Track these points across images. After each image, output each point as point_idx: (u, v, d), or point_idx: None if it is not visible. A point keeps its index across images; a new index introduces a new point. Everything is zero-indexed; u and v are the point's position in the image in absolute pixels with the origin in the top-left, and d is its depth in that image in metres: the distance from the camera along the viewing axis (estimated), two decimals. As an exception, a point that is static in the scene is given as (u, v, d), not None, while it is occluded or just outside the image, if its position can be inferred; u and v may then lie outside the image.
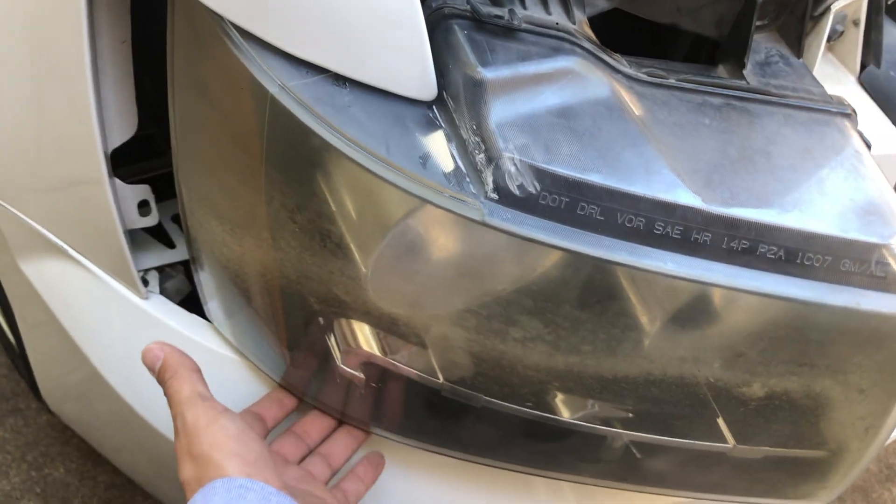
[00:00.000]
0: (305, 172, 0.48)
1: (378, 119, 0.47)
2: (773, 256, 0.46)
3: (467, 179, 0.46)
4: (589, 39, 0.48)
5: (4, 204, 0.70)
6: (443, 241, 0.47)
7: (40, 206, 0.68)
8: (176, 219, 0.74)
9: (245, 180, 0.52)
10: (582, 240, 0.45)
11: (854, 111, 0.51)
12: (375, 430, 0.67)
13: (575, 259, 0.45)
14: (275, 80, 0.47)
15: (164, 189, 0.70)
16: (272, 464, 0.54)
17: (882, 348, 0.48)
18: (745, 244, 0.45)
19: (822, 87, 0.56)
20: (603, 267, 0.46)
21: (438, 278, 0.50)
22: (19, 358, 1.17)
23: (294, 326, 0.61)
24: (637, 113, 0.47)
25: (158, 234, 0.72)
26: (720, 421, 0.60)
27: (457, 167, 0.46)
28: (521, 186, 0.45)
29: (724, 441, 0.61)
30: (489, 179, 0.45)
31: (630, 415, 0.58)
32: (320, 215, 0.49)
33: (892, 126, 0.63)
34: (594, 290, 0.47)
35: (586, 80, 0.47)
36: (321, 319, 0.59)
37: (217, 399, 0.58)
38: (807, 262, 0.46)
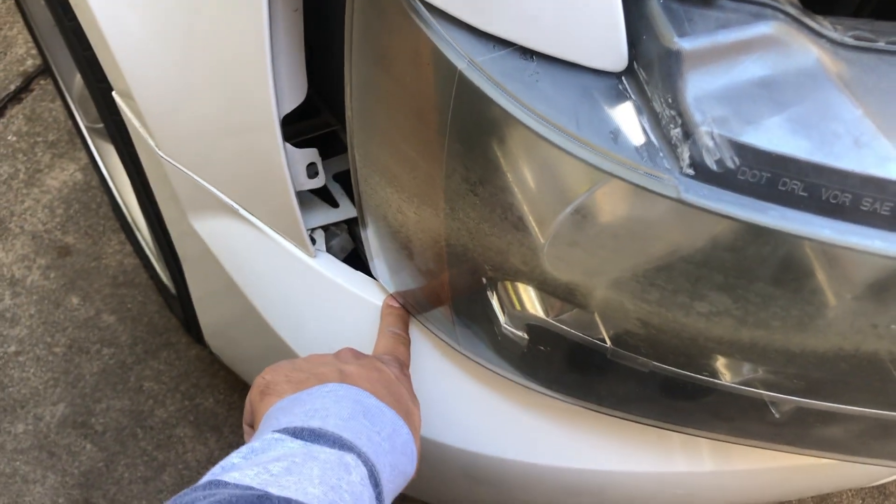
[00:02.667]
0: (491, 147, 0.48)
1: (567, 93, 0.46)
2: None
3: (661, 154, 0.45)
4: (791, 3, 0.46)
5: (180, 167, 0.73)
6: (631, 216, 0.47)
7: (215, 169, 0.71)
8: (337, 178, 0.76)
9: (426, 153, 0.52)
10: (783, 217, 0.43)
11: None
12: (533, 385, 0.68)
13: (775, 236, 0.44)
14: (463, 55, 0.46)
15: (324, 149, 0.72)
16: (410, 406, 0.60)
17: None
18: (960, 222, 0.43)
19: None
20: (803, 244, 0.44)
21: (623, 252, 0.49)
22: (174, 299, 1.24)
23: (460, 287, 0.62)
24: (844, 81, 0.44)
25: (322, 194, 0.74)
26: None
27: (649, 141, 0.45)
28: (719, 161, 0.43)
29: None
30: (685, 154, 0.44)
31: (813, 384, 0.56)
32: (503, 189, 0.49)
33: None
34: (791, 268, 0.45)
35: (789, 47, 0.44)
36: (489, 283, 0.60)
37: None
38: None
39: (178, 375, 1.48)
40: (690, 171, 0.44)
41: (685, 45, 0.44)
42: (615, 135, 0.45)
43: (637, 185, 0.44)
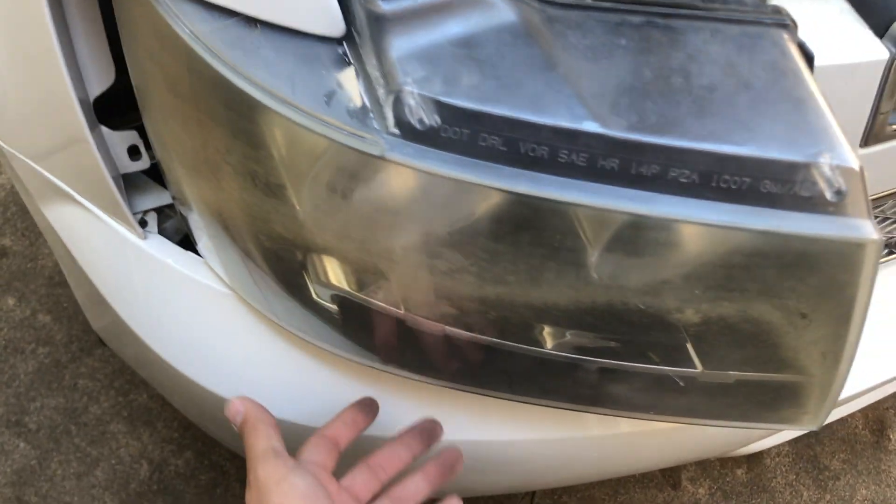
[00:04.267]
0: (225, 116, 0.50)
1: (287, 59, 0.47)
2: (686, 181, 0.43)
3: (371, 116, 0.46)
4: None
5: (18, 154, 0.75)
6: (355, 178, 0.48)
7: (45, 156, 0.72)
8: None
9: (183, 125, 0.54)
10: (484, 171, 0.44)
11: (793, 22, 0.47)
12: (360, 358, 0.68)
13: (479, 191, 0.45)
14: (186, 27, 0.48)
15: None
16: None
17: (814, 272, 0.46)
18: (654, 169, 0.43)
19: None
20: (511, 198, 0.45)
21: (360, 215, 0.50)
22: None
23: (271, 260, 0.64)
24: (546, 37, 0.45)
25: (157, 177, 0.76)
26: (689, 346, 0.59)
27: (363, 104, 0.46)
28: (421, 120, 0.45)
29: (694, 367, 0.59)
30: (390, 114, 0.45)
31: (593, 342, 0.57)
32: (246, 157, 0.51)
33: (868, 31, 0.58)
34: (503, 222, 0.46)
35: (492, 6, 0.45)
36: (279, 255, 0.61)
37: (214, 333, 0.61)
38: (723, 185, 0.43)
39: (113, 372, 1.50)
40: (396, 131, 0.45)
41: (387, 7, 0.45)
42: (329, 97, 0.46)
43: (346, 146, 0.45)
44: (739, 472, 1.51)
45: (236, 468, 1.40)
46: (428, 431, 0.68)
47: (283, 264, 0.62)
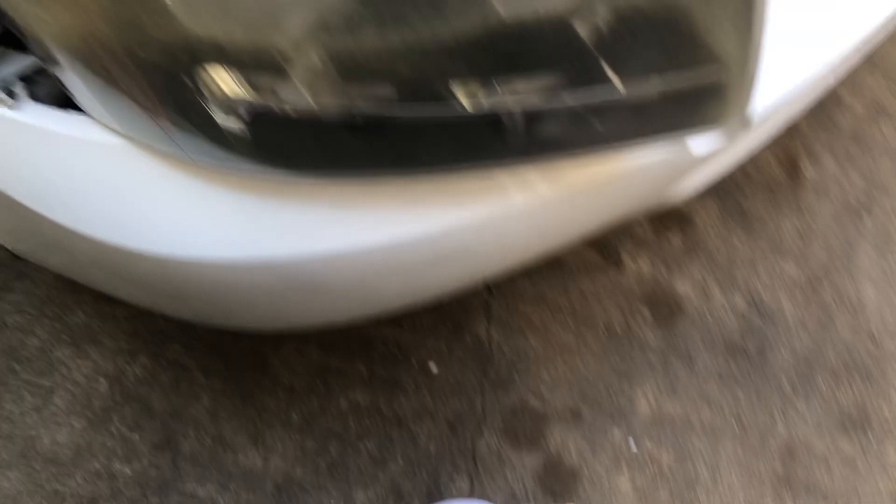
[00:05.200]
0: None
1: None
2: None
3: None
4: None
5: None
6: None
7: None
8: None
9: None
10: None
11: None
12: (274, 172, 0.66)
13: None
14: None
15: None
16: None
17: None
18: None
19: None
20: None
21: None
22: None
23: (160, 87, 0.60)
24: None
25: (14, 42, 0.70)
26: (608, 69, 0.59)
27: None
28: None
29: (617, 91, 0.59)
30: None
31: (514, 85, 0.56)
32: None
33: None
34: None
35: None
36: (182, 72, 0.57)
37: (118, 187, 0.57)
38: None
39: (41, 301, 1.45)
40: None
41: None
42: None
43: None
44: (674, 238, 1.56)
45: (195, 359, 1.39)
46: None
47: (175, 91, 0.58)
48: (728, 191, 1.59)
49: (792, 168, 1.65)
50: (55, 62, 0.61)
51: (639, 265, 1.53)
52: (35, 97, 0.69)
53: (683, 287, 1.51)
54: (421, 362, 1.43)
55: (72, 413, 1.36)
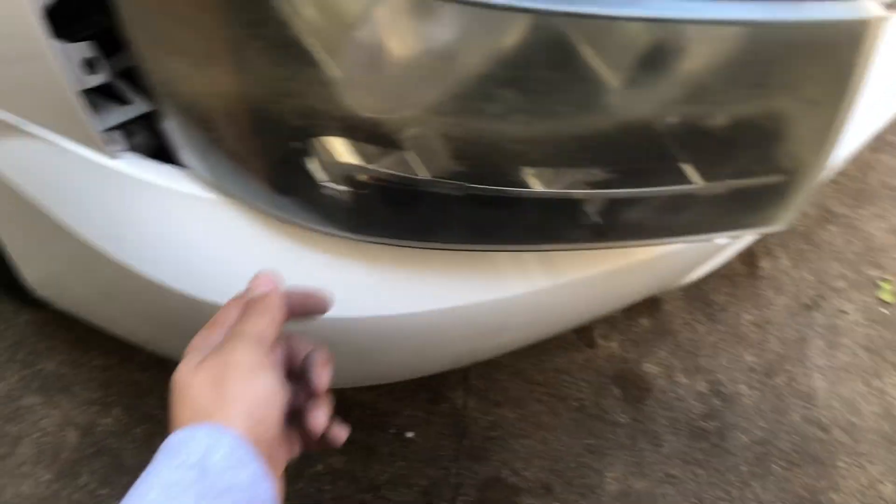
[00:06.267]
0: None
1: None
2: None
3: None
4: None
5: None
6: (410, 26, 0.48)
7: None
8: (125, 74, 0.73)
9: (200, 5, 0.51)
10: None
11: None
12: (363, 237, 0.68)
13: (540, 19, 0.47)
14: None
15: (106, 47, 0.69)
16: (276, 430, 0.53)
17: (831, 56, 0.51)
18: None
19: None
20: (569, 22, 0.47)
21: (412, 67, 0.51)
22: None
23: (274, 151, 0.62)
24: None
25: (113, 95, 0.71)
26: (686, 166, 0.64)
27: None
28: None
29: (691, 182, 0.65)
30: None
31: (606, 174, 0.61)
32: (287, 24, 0.49)
33: None
34: (563, 49, 0.48)
35: None
36: (301, 138, 0.60)
37: (209, 242, 0.58)
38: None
39: (12, 345, 1.40)
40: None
41: None
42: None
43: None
44: (643, 321, 1.64)
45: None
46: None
47: (285, 150, 0.61)
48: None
49: (751, 262, 1.76)
50: (168, 115, 0.63)
51: (610, 345, 1.59)
52: (131, 147, 0.70)
53: (651, 368, 1.58)
54: (398, 428, 1.44)
55: (38, 464, 1.31)
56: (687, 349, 1.61)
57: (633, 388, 1.56)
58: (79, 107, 0.63)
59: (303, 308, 0.62)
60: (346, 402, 1.38)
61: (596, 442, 1.48)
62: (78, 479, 1.30)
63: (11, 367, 1.38)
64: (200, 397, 0.52)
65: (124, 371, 1.40)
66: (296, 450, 0.62)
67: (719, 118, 0.54)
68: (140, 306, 0.81)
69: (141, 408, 1.37)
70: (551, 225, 0.68)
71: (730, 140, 0.57)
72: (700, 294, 1.68)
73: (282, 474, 0.58)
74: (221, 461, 0.49)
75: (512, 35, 0.48)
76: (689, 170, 0.64)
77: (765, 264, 1.76)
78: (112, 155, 0.67)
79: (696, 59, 0.50)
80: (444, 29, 0.48)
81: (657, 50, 0.50)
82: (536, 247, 0.69)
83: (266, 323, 0.56)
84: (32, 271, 0.98)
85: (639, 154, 0.58)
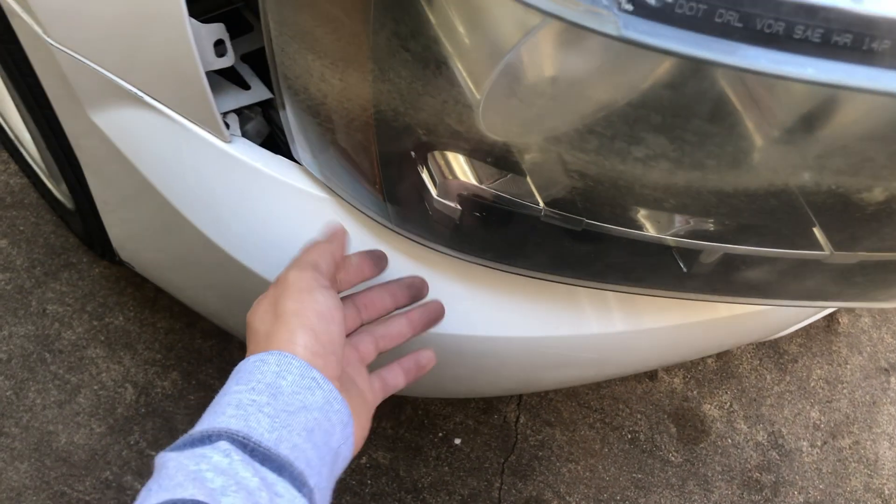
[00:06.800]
0: (423, -5, 0.46)
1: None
2: (914, 56, 0.44)
3: (599, -9, 0.44)
4: None
5: (75, 54, 0.67)
6: (570, 58, 0.46)
7: (115, 54, 0.65)
8: (246, 59, 0.72)
9: (350, 8, 0.50)
10: (721, 49, 0.43)
11: None
12: (463, 255, 0.67)
13: (712, 70, 0.44)
14: None
15: (229, 29, 0.68)
16: (340, 350, 0.55)
17: None
18: (886, 44, 0.44)
19: None
20: (740, 76, 0.45)
21: (561, 100, 0.49)
22: (72, 214, 1.17)
23: (390, 160, 0.61)
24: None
25: (232, 77, 0.70)
26: (816, 230, 0.61)
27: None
28: (656, -5, 0.43)
29: (821, 249, 0.62)
30: (623, -11, 0.43)
31: (735, 228, 0.58)
32: (436, 42, 0.48)
33: None
34: (729, 102, 0.46)
35: None
36: (420, 153, 0.58)
37: (303, 233, 0.59)
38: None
39: (84, 296, 1.42)
40: (629, 7, 0.43)
41: None
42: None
43: (575, 24, 0.43)
44: (710, 360, 1.59)
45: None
46: (416, 287, 0.68)
47: (403, 161, 0.59)
48: (765, 325, 1.63)
49: (830, 316, 1.69)
50: (289, 107, 0.62)
51: (672, 381, 1.55)
52: (243, 132, 0.69)
53: (711, 410, 1.54)
54: (446, 433, 1.42)
55: (93, 416, 1.33)
56: (751, 396, 1.56)
57: (691, 427, 1.52)
58: (205, 87, 0.62)
59: (359, 270, 0.65)
60: (399, 399, 1.37)
61: (644, 477, 1.45)
62: (129, 437, 1.31)
63: (81, 317, 1.39)
64: (263, 322, 0.55)
65: (187, 336, 1.41)
66: (377, 394, 0.64)
67: (877, 192, 0.51)
68: (225, 289, 0.80)
69: (198, 375, 1.38)
70: (660, 269, 0.65)
71: (879, 215, 0.54)
72: (772, 342, 1.63)
73: (367, 418, 0.60)
74: (291, 385, 0.51)
75: (669, 79, 0.45)
76: (820, 235, 0.60)
77: (844, 320, 1.70)
78: (225, 138, 0.67)
79: (864, 128, 0.47)
80: (595, 63, 0.45)
81: (822, 112, 0.47)
82: (635, 289, 0.66)
83: (319, 252, 0.59)
84: (118, 233, 0.99)
85: (774, 213, 0.55)
